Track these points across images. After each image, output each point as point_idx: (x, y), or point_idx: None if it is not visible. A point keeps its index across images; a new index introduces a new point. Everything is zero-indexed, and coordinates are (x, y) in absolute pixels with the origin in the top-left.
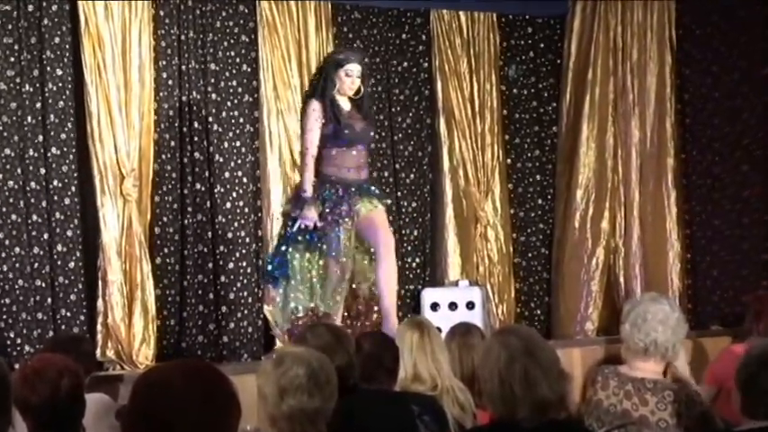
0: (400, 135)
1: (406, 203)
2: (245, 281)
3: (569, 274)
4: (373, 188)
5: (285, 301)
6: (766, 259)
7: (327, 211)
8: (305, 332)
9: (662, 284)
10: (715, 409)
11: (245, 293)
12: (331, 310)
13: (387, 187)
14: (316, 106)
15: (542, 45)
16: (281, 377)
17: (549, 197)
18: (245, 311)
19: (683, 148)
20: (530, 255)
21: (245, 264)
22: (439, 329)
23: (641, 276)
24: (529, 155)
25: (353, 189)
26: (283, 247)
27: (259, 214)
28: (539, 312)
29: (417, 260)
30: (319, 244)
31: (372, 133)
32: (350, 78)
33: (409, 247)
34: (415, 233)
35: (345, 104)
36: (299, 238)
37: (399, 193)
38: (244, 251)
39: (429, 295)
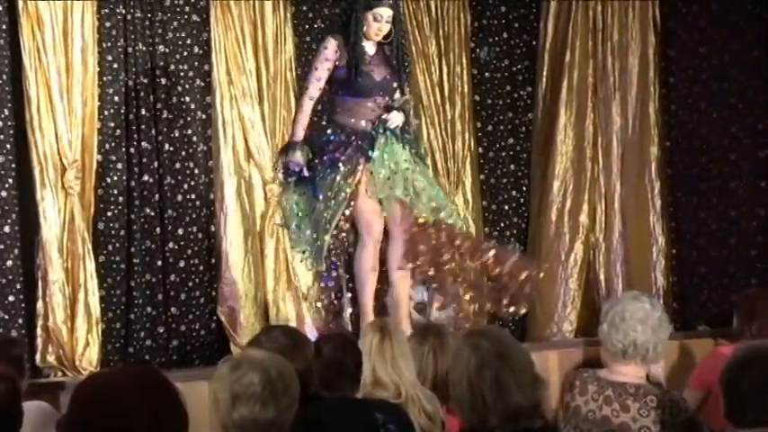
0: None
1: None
2: (197, 280)
3: (546, 272)
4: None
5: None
6: (756, 255)
7: (328, 149)
8: (260, 335)
9: (645, 282)
10: (702, 415)
11: (198, 294)
12: (313, 259)
13: None
14: (330, 44)
15: (516, 25)
16: (235, 383)
17: (524, 189)
18: (197, 313)
19: (667, 135)
20: None
21: (196, 261)
22: None
23: (623, 274)
24: (502, 143)
25: (366, 141)
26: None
27: (212, 208)
28: None
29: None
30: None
31: (395, 84)
32: (378, 23)
33: None
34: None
35: (370, 50)
36: (289, 181)
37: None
38: (195, 248)
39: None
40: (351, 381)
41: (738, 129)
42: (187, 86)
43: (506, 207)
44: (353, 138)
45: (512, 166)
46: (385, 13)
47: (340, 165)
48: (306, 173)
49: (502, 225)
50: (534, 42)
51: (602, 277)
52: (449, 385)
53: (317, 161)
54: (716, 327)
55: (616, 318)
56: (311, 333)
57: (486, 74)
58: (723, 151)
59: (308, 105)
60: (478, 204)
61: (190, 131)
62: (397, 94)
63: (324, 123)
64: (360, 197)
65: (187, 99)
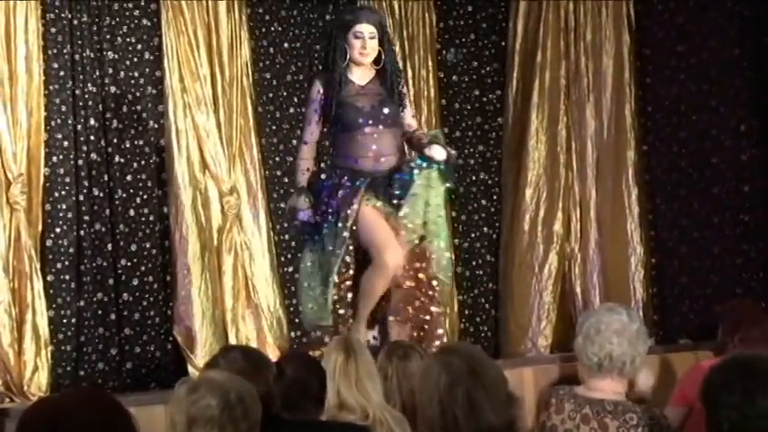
0: (325, 130)
1: None
2: (151, 299)
3: (519, 285)
4: (398, 179)
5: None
6: (740, 264)
7: (323, 197)
8: (218, 356)
9: (623, 294)
10: None
11: (152, 313)
12: (318, 317)
13: None
14: (315, 87)
15: (485, 25)
16: (192, 406)
17: (495, 197)
18: (153, 333)
19: (644, 139)
20: (474, 263)
21: (150, 279)
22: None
23: (600, 285)
24: (471, 150)
25: (362, 180)
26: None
27: (166, 222)
28: (485, 328)
29: None
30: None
31: (387, 110)
32: (359, 41)
33: None
34: None
35: (361, 76)
36: (305, 238)
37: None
38: (150, 265)
39: None
40: (315, 403)
41: (719, 131)
42: (138, 94)
43: (476, 217)
44: (346, 178)
45: (482, 174)
46: (365, 29)
47: (339, 211)
48: (312, 219)
49: (473, 236)
50: (503, 43)
51: (578, 289)
52: (418, 407)
53: (321, 210)
54: (698, 340)
55: (591, 330)
56: (272, 353)
57: (454, 77)
58: (704, 155)
59: (303, 151)
60: (447, 214)
61: (141, 142)
62: (411, 120)
63: (322, 167)
64: (366, 223)
65: (138, 108)
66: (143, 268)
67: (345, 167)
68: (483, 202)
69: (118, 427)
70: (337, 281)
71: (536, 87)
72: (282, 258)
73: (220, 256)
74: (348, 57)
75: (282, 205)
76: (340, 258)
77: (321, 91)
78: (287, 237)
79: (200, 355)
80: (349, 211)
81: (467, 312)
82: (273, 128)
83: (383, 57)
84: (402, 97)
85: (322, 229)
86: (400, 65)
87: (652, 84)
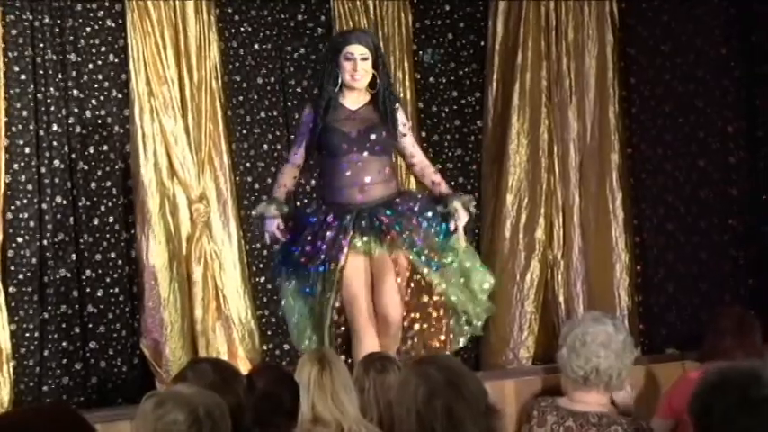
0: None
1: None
2: (117, 311)
3: (500, 294)
4: (388, 215)
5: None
6: (728, 270)
7: (307, 238)
8: (186, 370)
9: (608, 302)
10: None
11: (118, 326)
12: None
13: None
14: (306, 110)
15: (463, 25)
16: (158, 421)
17: (475, 204)
18: (119, 347)
19: (629, 141)
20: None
21: (117, 290)
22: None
23: (584, 294)
24: (449, 154)
25: (348, 218)
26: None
27: (132, 231)
28: None
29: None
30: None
31: (374, 136)
32: (350, 62)
33: None
34: None
35: (354, 101)
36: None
37: (298, 202)
38: (115, 275)
39: None
40: (287, 417)
41: (706, 133)
42: (102, 98)
43: None
44: (332, 216)
45: (460, 179)
46: (356, 50)
47: (327, 255)
48: (278, 234)
49: None
50: (482, 43)
51: (561, 298)
52: (395, 420)
53: (306, 250)
54: (686, 350)
55: (576, 342)
56: (243, 366)
57: (431, 79)
58: (690, 157)
59: (284, 167)
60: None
61: (106, 147)
62: (413, 149)
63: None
64: (349, 288)
65: (103, 112)
66: (108, 279)
67: (331, 202)
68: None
69: None
70: (329, 324)
71: (516, 89)
72: (254, 268)
73: (189, 265)
74: (340, 81)
75: (254, 213)
76: (330, 305)
77: (311, 115)
78: (258, 245)
79: (169, 369)
80: (341, 256)
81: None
82: (244, 132)
83: (378, 81)
84: (396, 124)
85: (300, 267)
86: (398, 92)
87: (636, 84)
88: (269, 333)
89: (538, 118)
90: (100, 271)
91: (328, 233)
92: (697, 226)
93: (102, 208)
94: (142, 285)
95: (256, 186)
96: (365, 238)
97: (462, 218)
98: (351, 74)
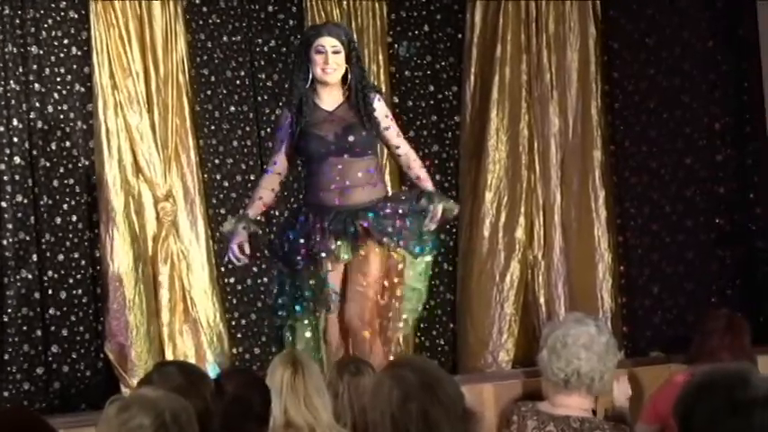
0: (268, 130)
1: (276, 212)
2: (80, 313)
3: (478, 295)
4: (369, 217)
5: None
6: (715, 270)
7: (299, 240)
8: (152, 373)
9: (590, 304)
10: None
11: (82, 328)
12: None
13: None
14: (283, 115)
15: (440, 17)
16: (122, 426)
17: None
18: (82, 351)
19: (612, 138)
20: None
21: (80, 292)
22: None
23: (565, 295)
24: (426, 150)
25: (330, 219)
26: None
27: (96, 230)
28: (442, 342)
29: None
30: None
31: (352, 138)
32: (321, 56)
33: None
34: None
35: (330, 101)
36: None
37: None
38: (78, 276)
39: None
40: (258, 422)
41: (693, 129)
42: (65, 92)
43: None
44: (315, 218)
45: (438, 177)
46: (327, 42)
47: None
48: (239, 255)
49: None
50: (460, 36)
51: (541, 299)
52: (369, 424)
53: (294, 247)
54: (671, 352)
55: (557, 343)
56: (212, 370)
57: (407, 72)
58: (676, 155)
59: (262, 179)
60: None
61: (69, 144)
62: (397, 140)
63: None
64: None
65: (65, 107)
66: (71, 280)
67: (312, 204)
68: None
69: None
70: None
71: (495, 83)
72: (223, 269)
73: (155, 266)
74: (311, 75)
75: (223, 211)
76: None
77: (288, 119)
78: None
79: (134, 374)
80: (323, 255)
81: (422, 325)
82: (212, 128)
83: (349, 75)
84: (374, 120)
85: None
86: (374, 82)
87: (620, 79)
88: (239, 336)
89: (518, 113)
90: (62, 272)
91: (314, 237)
92: (683, 225)
93: (65, 206)
94: (106, 287)
95: (225, 184)
96: (338, 242)
97: (434, 222)
98: (322, 67)
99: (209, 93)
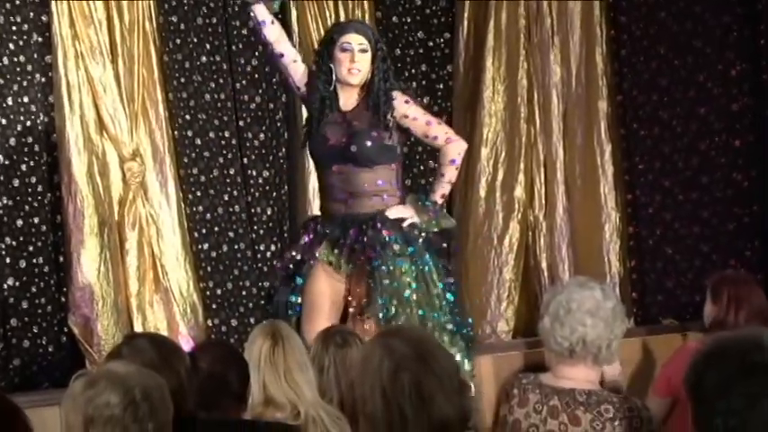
0: (244, 82)
1: (254, 172)
2: (41, 284)
3: (475, 260)
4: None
5: None
6: (732, 230)
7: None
8: (120, 346)
9: (597, 268)
10: (669, 426)
11: (43, 300)
12: None
13: (228, 151)
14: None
15: None
16: (89, 403)
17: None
18: (44, 324)
19: (618, 87)
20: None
21: (41, 260)
22: None
23: (569, 259)
24: None
25: (330, 228)
26: None
27: (57, 193)
28: None
29: (273, 247)
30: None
31: (354, 148)
32: (346, 54)
33: (261, 230)
34: (269, 212)
35: (345, 99)
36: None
37: (245, 159)
38: (39, 243)
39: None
40: (235, 399)
41: (706, 77)
42: (21, 43)
43: (423, 182)
44: (315, 232)
45: None
46: (354, 40)
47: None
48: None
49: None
50: None
51: (544, 264)
52: (358, 401)
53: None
54: (685, 320)
55: (560, 309)
56: (186, 344)
57: (394, 18)
58: (689, 104)
59: None
60: None
61: (26, 99)
62: (427, 128)
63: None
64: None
65: (22, 59)
66: (31, 248)
67: (323, 210)
68: (430, 163)
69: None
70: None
71: (491, 29)
72: (196, 234)
73: (122, 232)
74: (334, 76)
75: (195, 171)
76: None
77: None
78: (200, 208)
79: (101, 349)
80: (312, 262)
81: None
82: (182, 80)
83: (374, 79)
84: (390, 122)
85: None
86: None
87: (627, 23)
88: (214, 307)
89: (515, 62)
90: (21, 239)
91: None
92: (697, 181)
93: (23, 167)
94: (69, 255)
95: (197, 141)
96: (335, 251)
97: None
98: (348, 67)
99: (178, 42)
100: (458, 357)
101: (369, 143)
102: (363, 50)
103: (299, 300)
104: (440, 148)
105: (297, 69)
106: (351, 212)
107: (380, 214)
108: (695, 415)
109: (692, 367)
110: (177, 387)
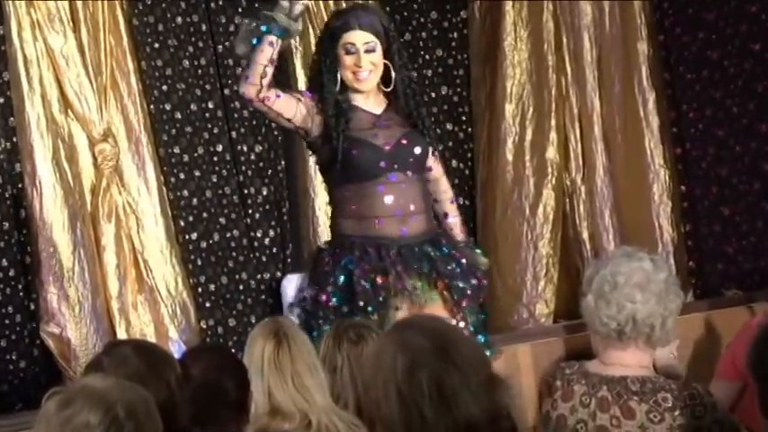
0: (227, 44)
1: (245, 146)
2: (7, 290)
3: (505, 234)
4: (444, 251)
5: None
6: None
7: (338, 279)
8: (101, 356)
9: (647, 235)
10: (738, 412)
11: (10, 309)
12: None
13: (213, 124)
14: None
15: None
16: (65, 425)
17: (465, 120)
18: (13, 337)
19: (660, 25)
20: None
21: (4, 263)
22: None
23: (614, 227)
24: (427, 57)
25: (394, 252)
26: None
27: (20, 185)
28: None
29: (272, 233)
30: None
31: (419, 150)
32: (352, 56)
33: (257, 214)
34: (264, 192)
35: (373, 102)
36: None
37: (234, 133)
38: (2, 244)
39: (292, 285)
40: (233, 410)
41: (762, 8)
42: None
43: (441, 146)
44: (371, 251)
45: (443, 89)
46: (358, 39)
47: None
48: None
49: None
50: None
51: (584, 234)
52: (372, 403)
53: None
54: (751, 289)
55: (605, 285)
56: (177, 350)
57: None
58: (742, 41)
59: None
60: None
61: None
62: (433, 163)
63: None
64: None
65: None
66: None
67: (360, 235)
68: (448, 126)
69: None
70: None
71: None
72: (182, 222)
73: (97, 225)
74: (339, 79)
75: (177, 150)
76: None
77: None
78: (185, 193)
79: (80, 362)
80: (398, 301)
81: None
82: (156, 46)
83: (393, 75)
84: (429, 129)
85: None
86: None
87: None
88: (207, 305)
89: (539, 3)
90: None
91: (380, 278)
92: (756, 130)
93: None
94: (38, 255)
95: (177, 116)
96: (419, 284)
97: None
98: (353, 71)
99: (148, 2)
100: None
101: (424, 145)
102: (370, 50)
103: None
104: (428, 182)
105: (305, 116)
106: (407, 233)
107: (447, 238)
108: (761, 397)
109: (755, 345)
110: (167, 400)
